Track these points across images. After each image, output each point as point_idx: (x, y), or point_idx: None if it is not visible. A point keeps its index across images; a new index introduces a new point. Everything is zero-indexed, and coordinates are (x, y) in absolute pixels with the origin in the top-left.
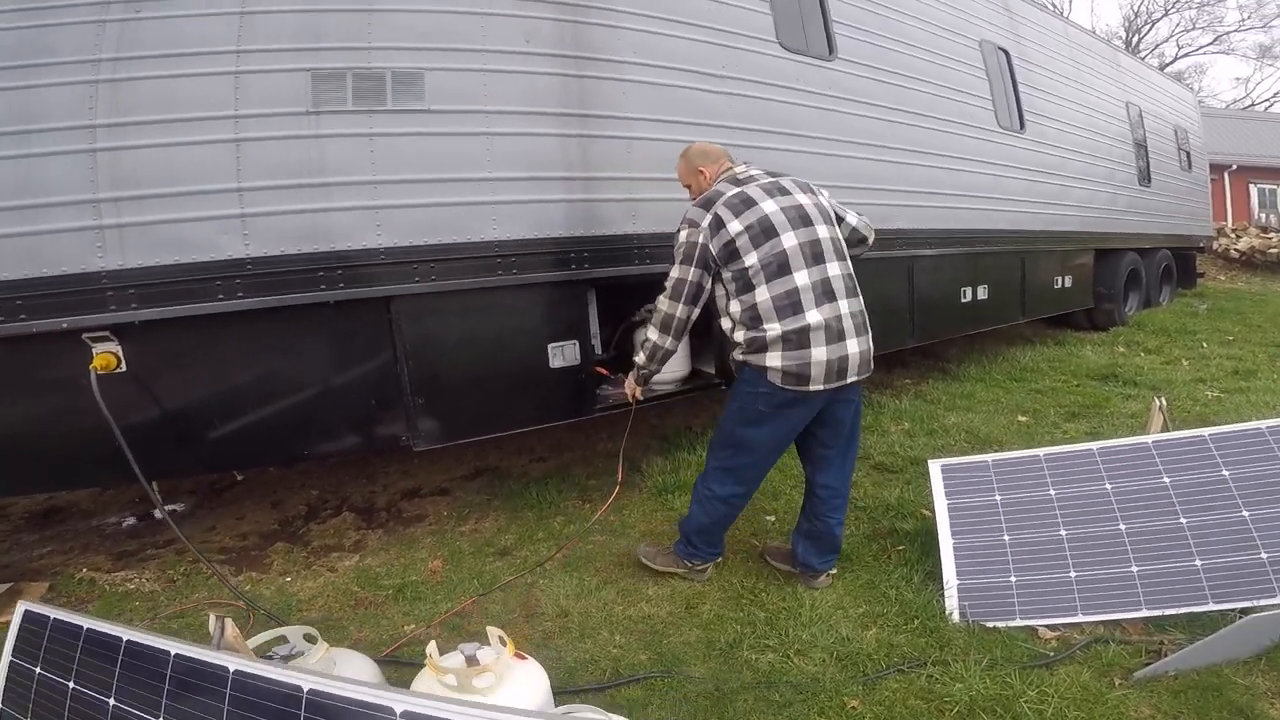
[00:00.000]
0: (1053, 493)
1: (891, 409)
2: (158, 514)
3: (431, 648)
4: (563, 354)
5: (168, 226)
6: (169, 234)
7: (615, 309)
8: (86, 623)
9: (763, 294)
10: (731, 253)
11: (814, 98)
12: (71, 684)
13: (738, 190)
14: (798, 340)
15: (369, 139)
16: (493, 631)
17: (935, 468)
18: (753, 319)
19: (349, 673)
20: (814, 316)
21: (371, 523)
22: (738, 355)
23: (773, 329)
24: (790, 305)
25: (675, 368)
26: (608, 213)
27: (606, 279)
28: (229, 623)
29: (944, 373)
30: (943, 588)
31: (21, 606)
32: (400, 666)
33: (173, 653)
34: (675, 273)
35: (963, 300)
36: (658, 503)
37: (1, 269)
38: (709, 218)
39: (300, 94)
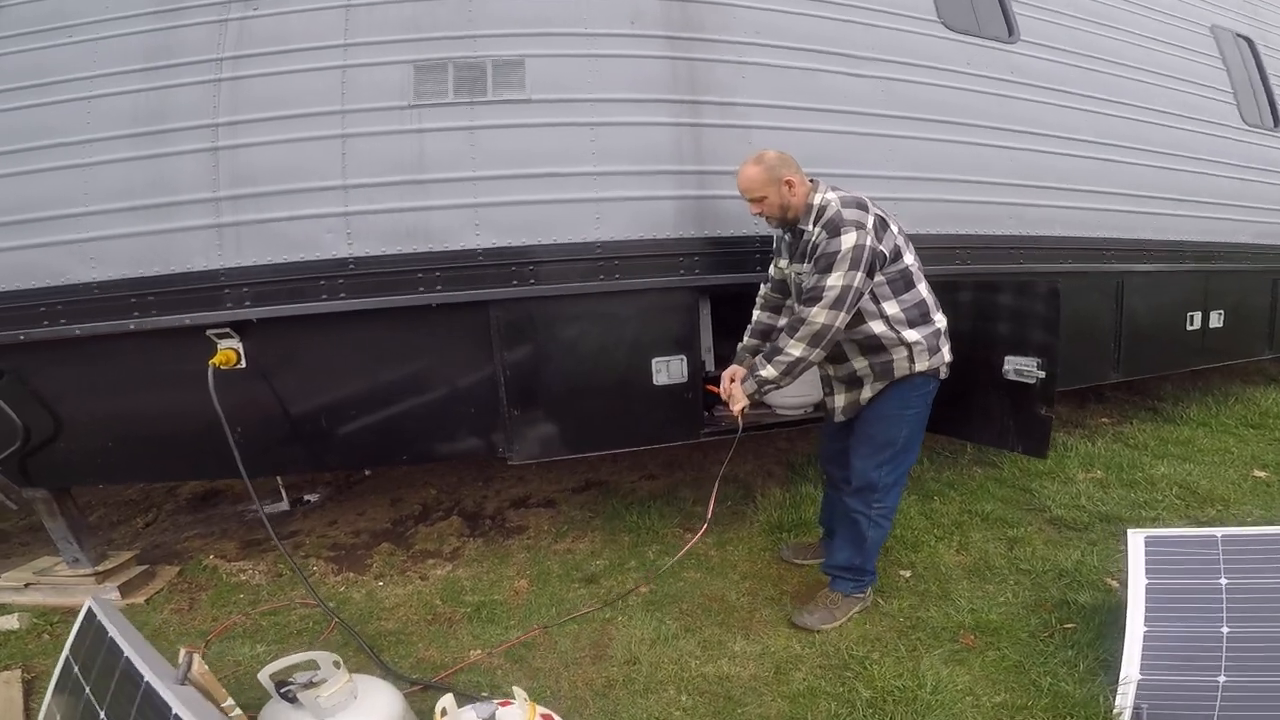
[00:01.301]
0: None
1: (1080, 452)
2: (282, 505)
3: (447, 702)
4: (668, 370)
5: (278, 225)
6: (279, 232)
7: (731, 321)
8: (112, 630)
9: (924, 288)
10: (895, 252)
11: (988, 83)
12: (88, 688)
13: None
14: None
15: (469, 132)
16: (519, 692)
17: (1136, 540)
18: (922, 314)
19: (371, 704)
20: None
21: (474, 530)
22: (910, 363)
23: (940, 319)
24: (936, 301)
25: (804, 392)
26: (724, 211)
27: (721, 286)
28: (197, 658)
29: (1155, 413)
30: (1116, 681)
31: (87, 602)
32: (438, 694)
33: (144, 680)
34: (840, 280)
35: (1188, 328)
36: (768, 540)
37: (136, 266)
38: (872, 219)
39: (403, 87)
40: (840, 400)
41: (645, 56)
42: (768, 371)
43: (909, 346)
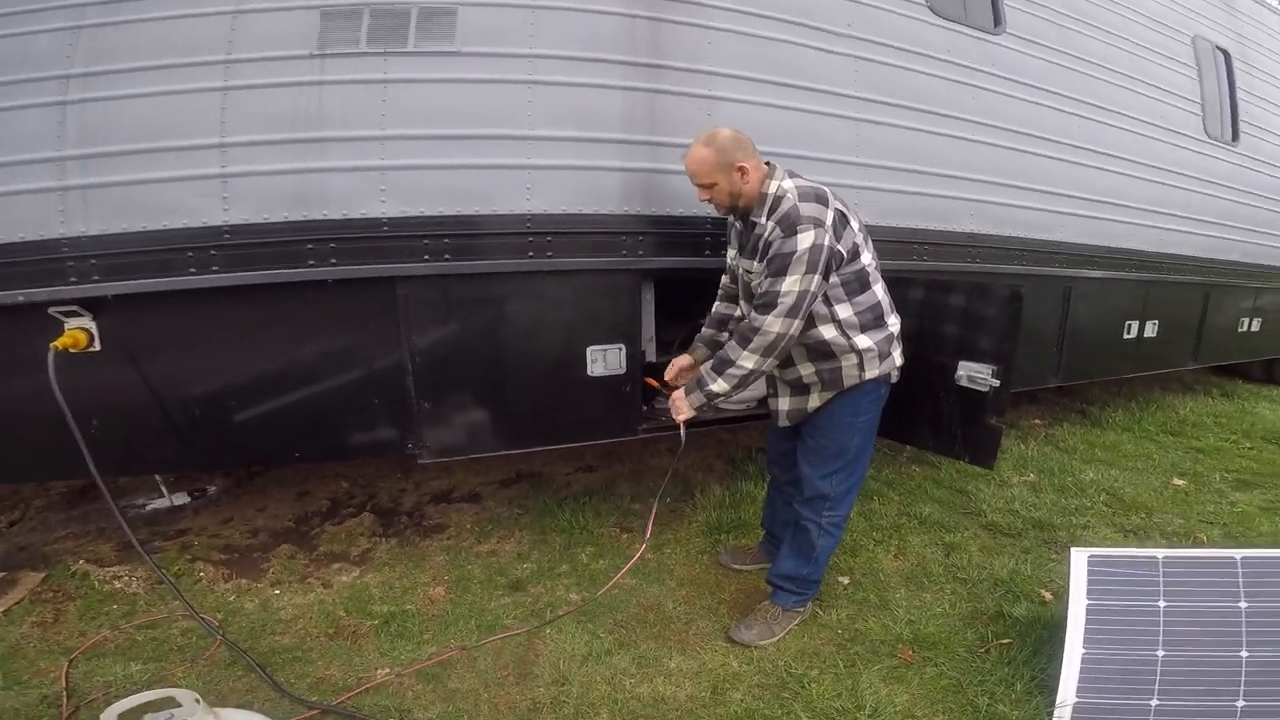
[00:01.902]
0: (1243, 605)
1: (1015, 455)
2: (162, 501)
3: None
4: (604, 360)
5: (137, 188)
6: (138, 197)
7: (676, 307)
8: None
9: (880, 289)
10: (854, 251)
11: (968, 74)
12: None
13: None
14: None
15: (381, 86)
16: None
17: (1079, 559)
18: (875, 318)
19: None
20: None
21: (388, 529)
22: (860, 370)
23: (894, 322)
24: (891, 302)
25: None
26: (677, 188)
27: (668, 270)
28: None
29: (1083, 416)
30: (1052, 704)
31: None
32: None
33: None
34: (795, 285)
35: (1125, 336)
36: (706, 542)
37: None
38: (831, 215)
39: (306, 35)
40: (785, 404)
41: (601, 12)
42: (718, 385)
43: (860, 354)
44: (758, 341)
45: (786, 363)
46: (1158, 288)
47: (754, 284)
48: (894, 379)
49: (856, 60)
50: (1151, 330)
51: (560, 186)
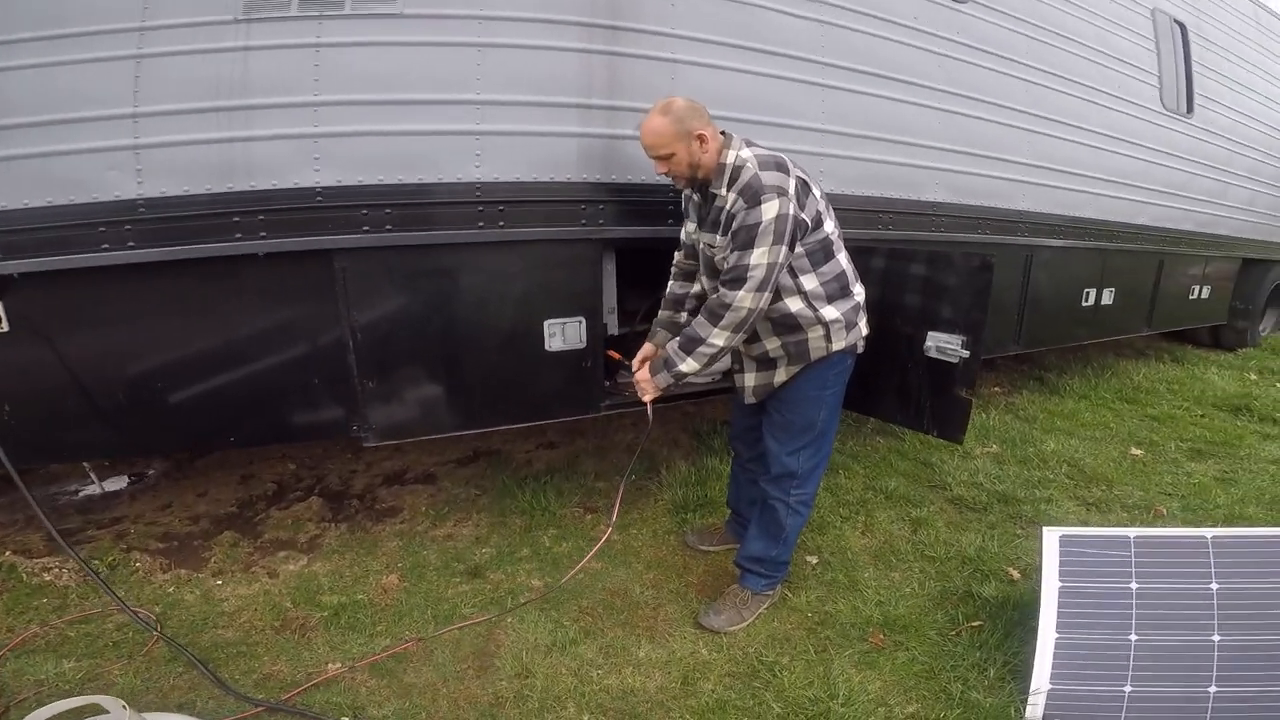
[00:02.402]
0: (1215, 586)
1: (977, 424)
2: (92, 488)
3: None
4: (563, 334)
5: (40, 162)
6: (42, 170)
7: (639, 278)
8: None
9: (844, 258)
10: (817, 219)
11: (935, 42)
12: None
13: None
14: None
15: (314, 51)
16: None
17: (1051, 538)
18: (841, 288)
19: None
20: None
21: (338, 514)
22: (827, 342)
23: (859, 291)
24: (855, 271)
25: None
26: (638, 154)
27: (630, 240)
28: None
29: (1041, 383)
30: (1026, 690)
31: None
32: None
33: None
34: (764, 257)
35: (1084, 304)
36: (673, 522)
37: None
38: (793, 183)
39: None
40: (750, 380)
41: None
42: (687, 365)
43: (826, 325)
44: (729, 318)
45: (752, 337)
46: (1115, 256)
47: (718, 259)
48: (860, 349)
49: (823, 25)
50: (1108, 298)
51: (513, 153)
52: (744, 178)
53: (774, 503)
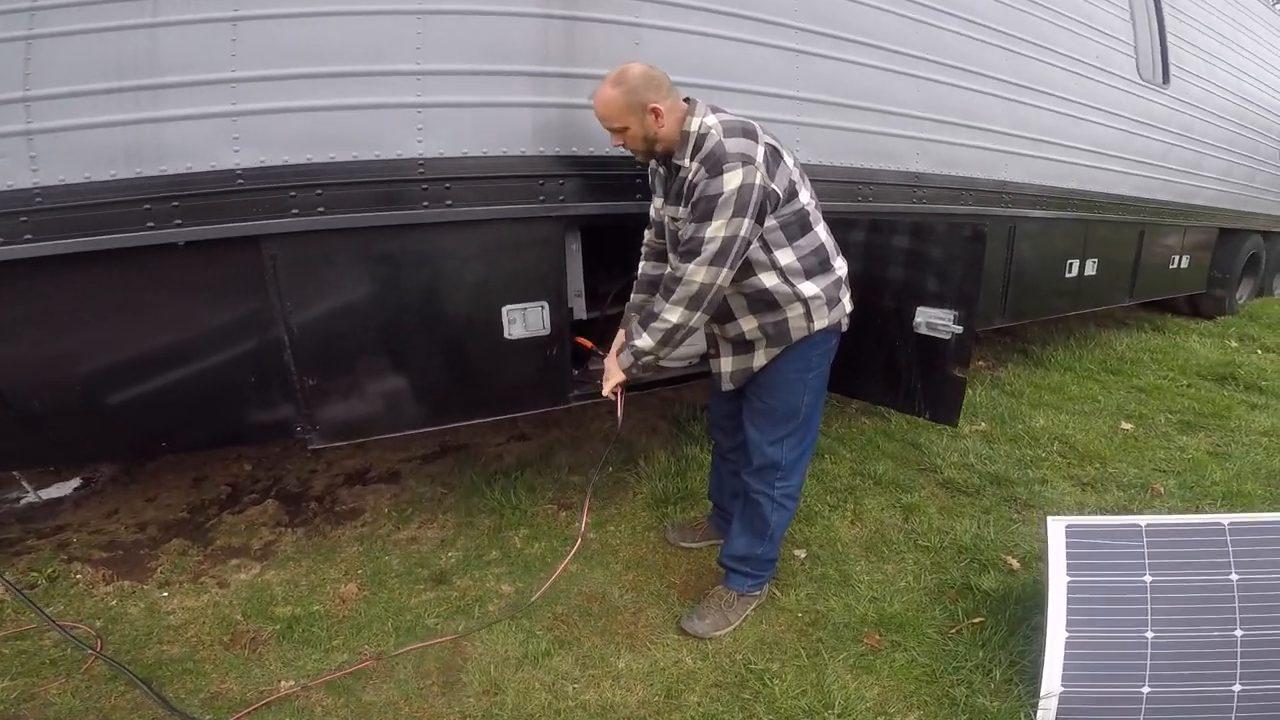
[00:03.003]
0: (1235, 577)
1: (965, 401)
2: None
3: None
4: (524, 320)
5: None
6: None
7: (611, 258)
8: None
9: (823, 231)
10: (790, 190)
11: (912, 7)
12: None
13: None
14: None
15: (230, 25)
16: None
17: (1057, 529)
18: (821, 262)
19: None
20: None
21: (295, 517)
22: (808, 321)
23: (840, 266)
24: (836, 244)
25: (691, 342)
26: (599, 126)
27: (595, 217)
28: None
29: (1026, 356)
30: (1035, 692)
31: None
32: None
33: None
34: (721, 229)
35: (1067, 275)
36: (652, 516)
37: None
38: (762, 150)
39: None
40: (728, 365)
41: None
42: (643, 341)
43: (805, 302)
44: (681, 292)
45: (726, 318)
46: (1097, 227)
47: (681, 233)
48: (844, 328)
49: None
50: (1091, 269)
51: (459, 127)
52: (708, 145)
53: (757, 497)
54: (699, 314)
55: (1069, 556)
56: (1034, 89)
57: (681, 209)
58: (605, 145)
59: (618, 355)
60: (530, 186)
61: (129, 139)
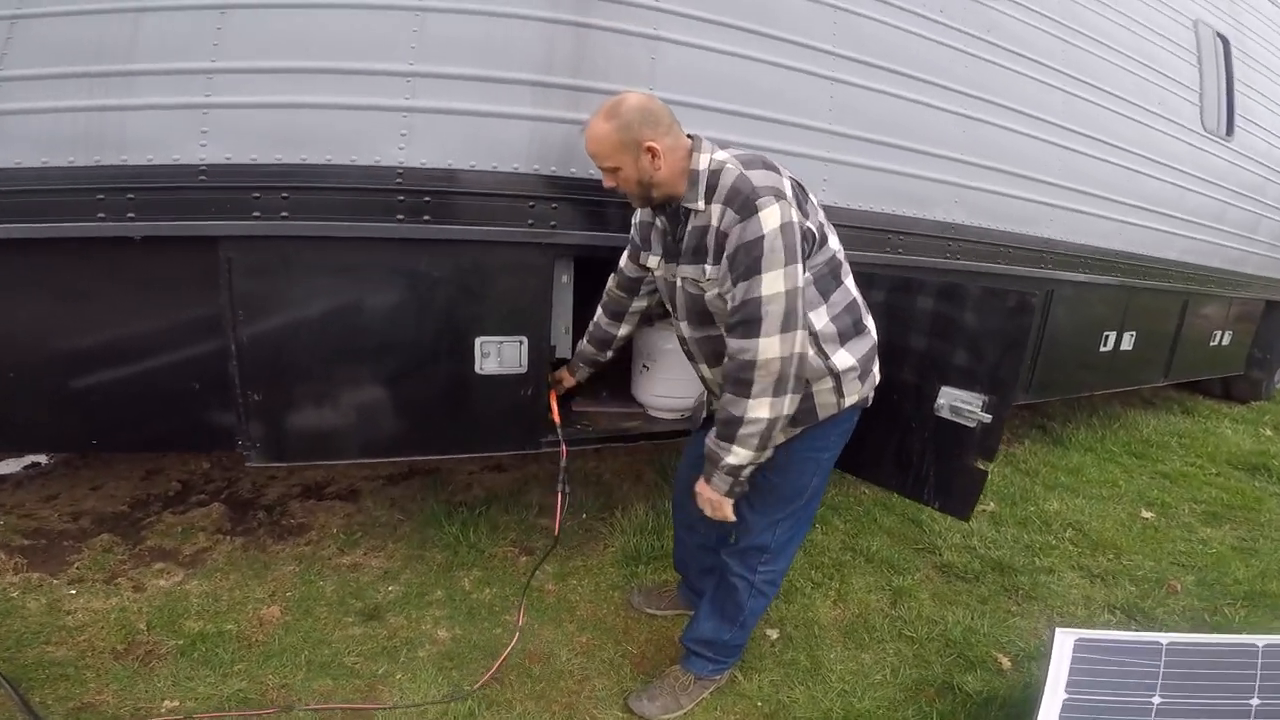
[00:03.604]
0: (1255, 702)
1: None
2: None
3: None
4: (500, 355)
5: None
6: None
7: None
8: None
9: (852, 283)
10: (821, 233)
11: (960, 38)
12: None
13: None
14: None
15: (218, 13)
16: None
17: (1064, 643)
18: (855, 323)
19: None
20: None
21: (238, 525)
22: (839, 397)
23: (872, 326)
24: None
25: (686, 393)
26: None
27: (591, 248)
28: None
29: (1044, 432)
30: None
31: None
32: None
33: None
34: (780, 282)
35: (1102, 348)
36: (620, 574)
37: None
38: (788, 183)
39: None
40: None
41: None
42: (738, 456)
43: (838, 376)
44: (761, 381)
45: None
46: (1139, 294)
47: (711, 296)
48: (869, 402)
49: (835, 10)
50: (1128, 342)
51: (448, 135)
52: (725, 181)
53: (735, 580)
54: (789, 396)
55: (1072, 672)
56: (1089, 136)
57: (710, 266)
58: None
59: (709, 482)
60: (518, 208)
61: (92, 125)
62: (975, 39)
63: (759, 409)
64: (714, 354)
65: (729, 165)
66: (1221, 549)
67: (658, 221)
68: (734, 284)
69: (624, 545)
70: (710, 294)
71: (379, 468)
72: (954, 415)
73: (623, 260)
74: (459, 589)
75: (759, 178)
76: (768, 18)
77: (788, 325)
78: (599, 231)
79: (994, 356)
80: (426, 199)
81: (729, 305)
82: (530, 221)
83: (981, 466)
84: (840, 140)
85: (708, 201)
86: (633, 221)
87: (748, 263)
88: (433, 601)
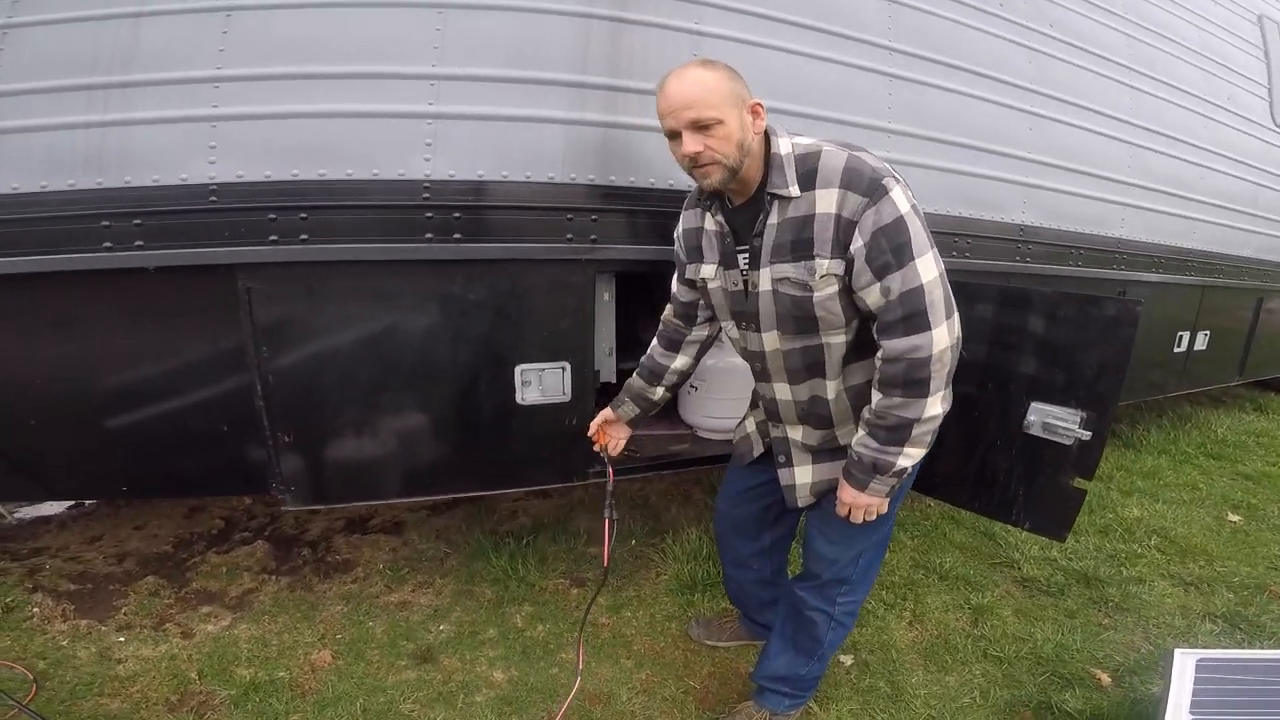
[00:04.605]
0: None
1: None
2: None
3: None
4: (541, 383)
5: None
6: None
7: (651, 304)
8: None
9: None
10: None
11: (1025, 34)
12: None
13: None
14: None
15: (224, 16)
16: None
17: (1186, 662)
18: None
19: None
20: None
21: (282, 563)
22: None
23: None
24: None
25: (736, 412)
26: (649, 149)
27: (634, 263)
28: None
29: (1114, 436)
30: None
31: None
32: None
33: None
34: (932, 266)
35: (1175, 350)
36: (675, 604)
37: None
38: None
39: None
40: (805, 475)
41: None
42: (907, 459)
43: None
44: (938, 376)
45: (824, 422)
46: (1213, 293)
47: (836, 292)
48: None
49: (892, 4)
50: (1202, 342)
51: (477, 144)
52: (835, 164)
53: (813, 614)
54: (948, 390)
55: (1195, 694)
56: (1159, 133)
57: (827, 261)
58: (651, 175)
59: (865, 490)
60: (555, 221)
61: (93, 143)
62: (1042, 35)
63: (935, 406)
64: (805, 367)
65: (827, 148)
66: None
67: (708, 223)
68: (878, 277)
69: (677, 572)
70: (823, 293)
71: (421, 500)
72: (1047, 433)
73: (674, 286)
74: (511, 626)
75: (870, 159)
76: (820, 11)
77: (949, 311)
78: (643, 245)
79: (1092, 370)
80: (456, 215)
81: (876, 302)
82: (569, 236)
83: (1079, 485)
84: (900, 139)
85: (801, 187)
86: (675, 236)
87: (894, 249)
88: (485, 641)
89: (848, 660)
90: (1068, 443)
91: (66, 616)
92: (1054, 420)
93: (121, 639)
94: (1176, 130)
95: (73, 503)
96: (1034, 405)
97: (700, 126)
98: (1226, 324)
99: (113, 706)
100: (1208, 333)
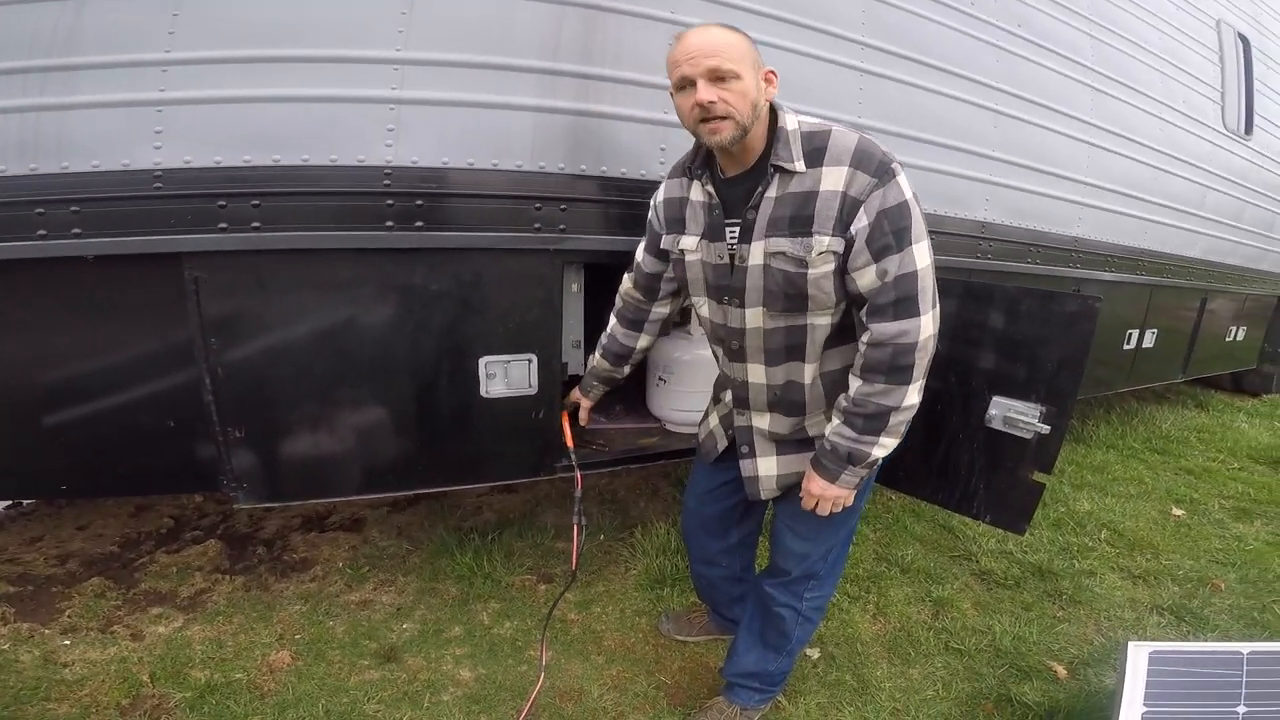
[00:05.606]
0: None
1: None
2: None
3: None
4: (506, 375)
5: None
6: None
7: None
8: None
9: None
10: None
11: (991, 31)
12: None
13: None
14: None
15: None
16: None
17: (1139, 654)
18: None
19: None
20: None
21: (237, 562)
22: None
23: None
24: None
25: (701, 405)
26: (621, 138)
27: (604, 254)
28: None
29: (1067, 431)
30: None
31: None
32: None
33: None
34: (927, 254)
35: (1125, 347)
36: (645, 599)
37: None
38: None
39: None
40: (769, 467)
41: None
42: (882, 448)
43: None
44: (921, 363)
45: (795, 410)
46: (1162, 293)
47: (815, 275)
48: None
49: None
50: (1150, 340)
51: (442, 130)
52: (845, 143)
53: (781, 610)
54: (924, 382)
55: (1149, 686)
56: (1118, 134)
57: (826, 238)
58: (622, 165)
59: (836, 481)
60: (521, 210)
61: (28, 128)
62: (1006, 33)
63: (913, 395)
64: (785, 348)
65: (837, 128)
66: (1258, 545)
67: (695, 193)
68: (875, 259)
69: (647, 567)
70: (818, 270)
71: (382, 496)
72: (1007, 426)
73: (639, 254)
74: (478, 624)
75: (881, 150)
76: (795, 3)
77: (935, 301)
78: (613, 235)
79: (1052, 365)
80: (419, 203)
81: (869, 284)
82: (536, 225)
83: (1038, 479)
84: (872, 135)
85: (807, 162)
86: (653, 203)
87: (896, 232)
88: (451, 639)
89: (814, 654)
90: (1028, 436)
91: (6, 619)
92: (1015, 414)
93: (67, 642)
94: (1134, 132)
95: (9, 503)
96: (995, 399)
97: (718, 76)
98: (1173, 323)
99: (60, 711)
100: (1155, 331)
